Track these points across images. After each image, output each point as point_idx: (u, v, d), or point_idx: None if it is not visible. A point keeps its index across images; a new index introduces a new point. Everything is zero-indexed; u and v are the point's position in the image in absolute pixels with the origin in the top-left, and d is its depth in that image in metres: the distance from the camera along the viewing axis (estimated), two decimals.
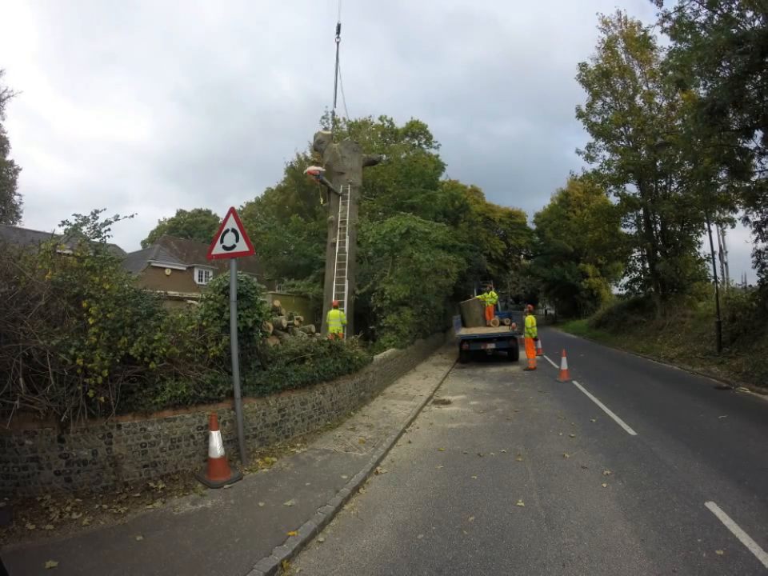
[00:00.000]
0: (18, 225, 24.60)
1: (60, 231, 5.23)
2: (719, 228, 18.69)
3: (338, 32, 16.27)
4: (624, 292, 25.39)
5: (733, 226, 17.27)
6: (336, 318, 10.94)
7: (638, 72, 20.19)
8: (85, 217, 5.29)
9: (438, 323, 18.97)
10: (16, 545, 3.58)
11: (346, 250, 13.66)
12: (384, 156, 22.81)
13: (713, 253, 14.54)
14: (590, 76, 20.78)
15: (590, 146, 21.14)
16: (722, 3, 11.18)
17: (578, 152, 21.45)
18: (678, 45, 12.45)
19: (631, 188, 21.00)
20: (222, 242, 5.48)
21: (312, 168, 14.29)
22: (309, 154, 25.91)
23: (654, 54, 18.76)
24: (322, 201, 15.98)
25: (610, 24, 20.51)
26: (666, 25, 12.62)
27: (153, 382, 4.91)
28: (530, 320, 13.84)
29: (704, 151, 13.04)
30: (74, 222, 5.23)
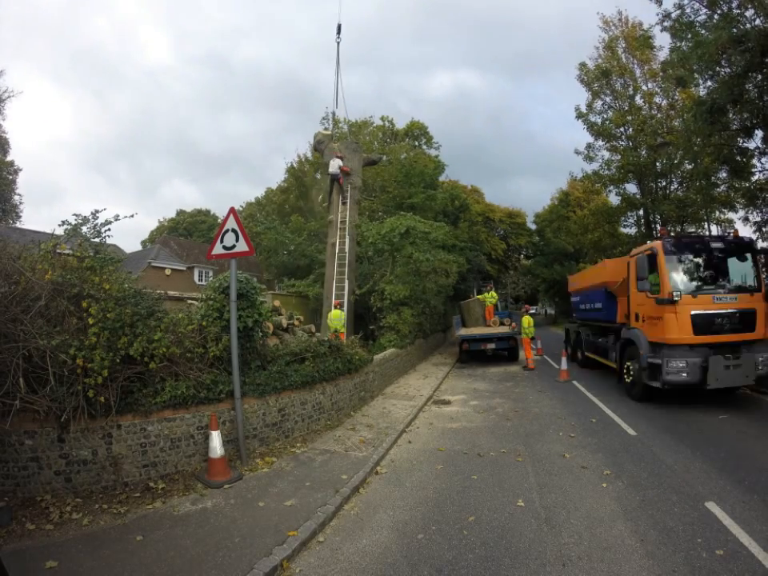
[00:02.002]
0: (18, 225, 24.62)
1: (60, 231, 5.23)
2: (719, 228, 18.72)
3: (339, 32, 16.24)
4: None
5: (733, 228, 17.30)
6: (338, 318, 10.96)
7: (637, 72, 20.19)
8: (85, 217, 5.30)
9: (437, 323, 18.96)
10: (16, 545, 3.58)
11: (346, 249, 13.66)
12: (384, 156, 22.82)
13: None
14: (589, 75, 20.78)
15: (589, 146, 21.12)
16: (721, 2, 11.18)
17: (577, 152, 21.45)
18: (679, 44, 12.46)
19: (631, 188, 21.02)
20: (221, 241, 5.48)
21: (345, 166, 14.33)
22: (309, 155, 25.96)
23: (653, 53, 18.77)
24: (322, 199, 15.75)
25: (611, 24, 20.52)
26: (666, 24, 12.63)
27: (153, 382, 4.91)
28: (526, 320, 13.95)
29: (704, 151, 13.06)
30: (73, 222, 5.24)
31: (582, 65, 20.97)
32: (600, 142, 20.90)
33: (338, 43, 16.26)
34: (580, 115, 20.92)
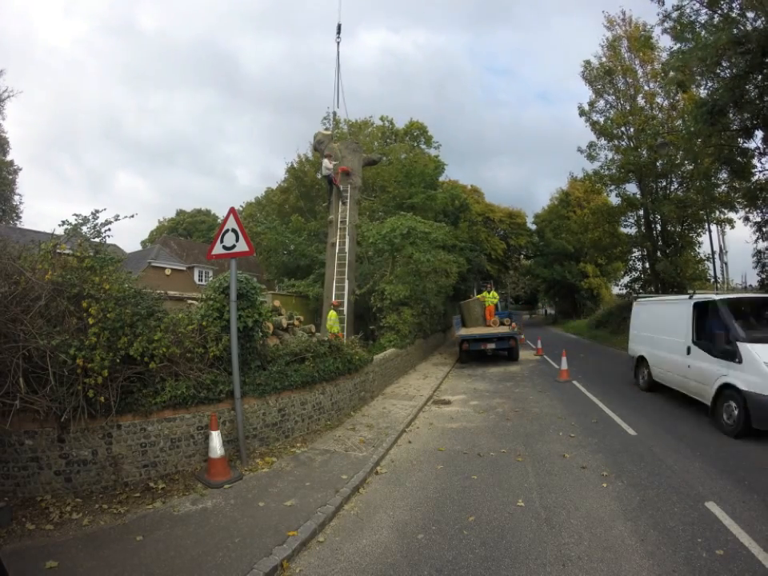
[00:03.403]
0: (18, 225, 24.63)
1: (60, 231, 5.23)
2: (719, 228, 18.75)
3: (339, 32, 16.23)
4: (624, 292, 25.43)
5: (732, 227, 17.35)
6: (333, 318, 10.99)
7: (639, 72, 20.29)
8: (85, 217, 5.30)
9: (437, 323, 18.95)
10: (16, 545, 3.58)
11: (346, 249, 13.65)
12: (384, 156, 22.81)
13: (713, 253, 14.62)
14: (592, 74, 20.85)
15: (591, 145, 21.19)
16: (722, 3, 11.18)
17: (580, 150, 21.52)
18: (679, 45, 12.47)
19: (631, 188, 21.08)
20: (221, 241, 5.48)
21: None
22: (309, 154, 25.95)
23: (655, 54, 18.85)
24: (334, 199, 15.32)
25: (615, 23, 20.59)
26: (666, 24, 12.64)
27: (153, 382, 4.91)
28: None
29: (704, 151, 13.08)
30: (74, 222, 5.23)
31: (587, 63, 21.09)
32: (602, 141, 21.00)
33: (338, 43, 16.26)
34: (582, 113, 21.03)
